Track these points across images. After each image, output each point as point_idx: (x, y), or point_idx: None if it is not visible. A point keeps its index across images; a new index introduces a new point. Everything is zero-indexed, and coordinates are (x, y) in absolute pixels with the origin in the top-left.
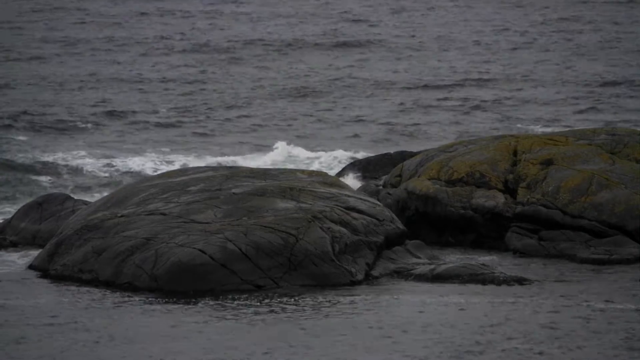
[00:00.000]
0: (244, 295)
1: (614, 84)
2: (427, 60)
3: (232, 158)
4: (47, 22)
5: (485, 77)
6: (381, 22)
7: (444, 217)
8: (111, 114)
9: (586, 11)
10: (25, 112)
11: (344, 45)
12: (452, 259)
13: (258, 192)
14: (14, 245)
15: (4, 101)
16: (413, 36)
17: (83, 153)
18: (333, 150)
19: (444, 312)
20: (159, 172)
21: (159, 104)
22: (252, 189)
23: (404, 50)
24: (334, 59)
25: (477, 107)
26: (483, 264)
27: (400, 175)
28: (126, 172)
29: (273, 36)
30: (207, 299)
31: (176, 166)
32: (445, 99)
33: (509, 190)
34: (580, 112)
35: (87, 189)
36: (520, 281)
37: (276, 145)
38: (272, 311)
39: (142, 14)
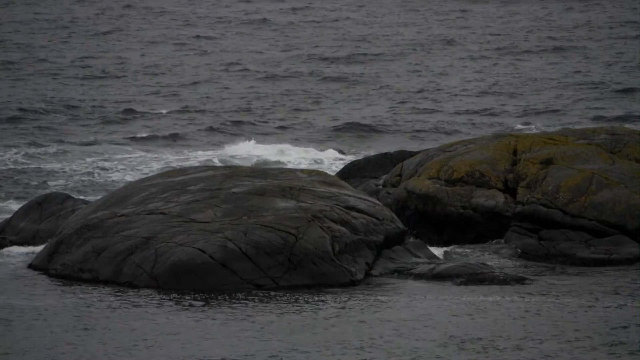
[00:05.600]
0: (244, 295)
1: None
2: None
3: None
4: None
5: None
6: None
7: (443, 217)
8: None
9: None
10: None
11: None
12: (452, 258)
13: (258, 192)
14: (14, 245)
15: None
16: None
17: (83, 151)
18: None
19: (442, 312)
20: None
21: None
22: (252, 188)
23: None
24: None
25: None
26: (483, 264)
27: (400, 175)
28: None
29: None
30: (206, 298)
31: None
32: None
33: (509, 189)
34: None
35: (86, 187)
36: (520, 280)
37: None
38: (271, 310)
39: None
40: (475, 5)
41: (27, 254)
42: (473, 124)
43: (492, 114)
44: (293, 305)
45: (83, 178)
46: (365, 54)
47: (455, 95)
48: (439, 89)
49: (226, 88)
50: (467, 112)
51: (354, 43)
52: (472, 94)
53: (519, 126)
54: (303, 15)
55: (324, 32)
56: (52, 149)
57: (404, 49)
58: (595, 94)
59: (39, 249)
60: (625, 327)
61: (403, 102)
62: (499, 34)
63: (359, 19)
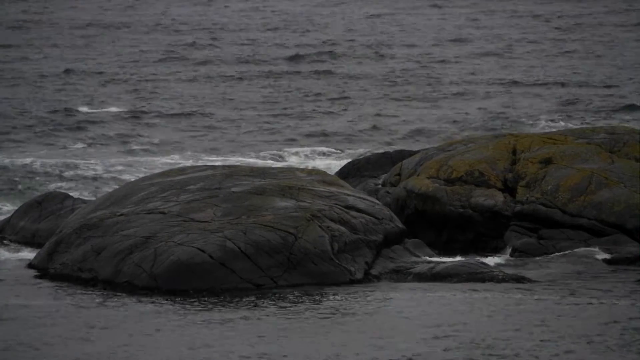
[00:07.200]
0: (243, 294)
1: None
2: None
3: None
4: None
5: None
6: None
7: (443, 216)
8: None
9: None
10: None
11: None
12: (451, 257)
13: (257, 191)
14: (14, 244)
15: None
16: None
17: (83, 151)
18: None
19: (441, 311)
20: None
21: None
22: (251, 187)
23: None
24: None
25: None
26: (482, 263)
27: (399, 174)
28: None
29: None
30: (206, 297)
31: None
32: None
33: (508, 189)
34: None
35: (86, 187)
36: (519, 280)
37: None
38: (271, 310)
39: None
40: (486, 3)
41: (26, 253)
42: (477, 123)
43: (497, 113)
44: (292, 305)
45: (82, 177)
46: (367, 53)
47: (460, 93)
48: (442, 88)
49: (231, 87)
50: (470, 111)
51: (355, 42)
52: (476, 93)
53: (544, 121)
54: (312, 13)
55: (326, 31)
56: (54, 147)
57: (411, 48)
58: (611, 91)
59: (38, 248)
60: (626, 328)
61: (407, 101)
62: (507, 33)
63: (361, 18)
